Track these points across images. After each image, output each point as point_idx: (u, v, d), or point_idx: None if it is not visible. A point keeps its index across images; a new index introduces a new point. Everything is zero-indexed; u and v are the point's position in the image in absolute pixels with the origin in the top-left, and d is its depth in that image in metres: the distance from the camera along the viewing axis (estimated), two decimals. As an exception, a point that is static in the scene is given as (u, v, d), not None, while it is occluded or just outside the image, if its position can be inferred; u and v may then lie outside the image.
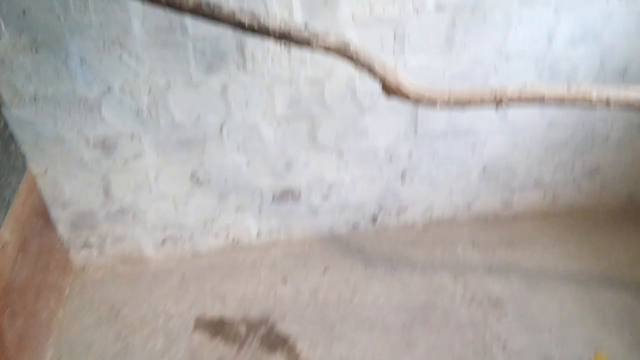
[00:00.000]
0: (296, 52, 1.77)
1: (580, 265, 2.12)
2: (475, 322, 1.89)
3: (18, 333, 1.59)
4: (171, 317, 1.95)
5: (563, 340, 1.81)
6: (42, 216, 1.92)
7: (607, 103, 1.42)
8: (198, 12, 1.24)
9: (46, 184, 1.89)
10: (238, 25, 1.26)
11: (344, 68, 1.80)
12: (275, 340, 1.85)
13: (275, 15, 1.68)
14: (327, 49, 1.33)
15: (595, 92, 1.41)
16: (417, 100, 1.42)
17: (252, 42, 1.73)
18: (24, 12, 1.55)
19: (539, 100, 1.42)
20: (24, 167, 1.81)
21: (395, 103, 1.78)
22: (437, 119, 2.02)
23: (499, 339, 1.82)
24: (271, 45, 1.74)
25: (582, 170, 2.27)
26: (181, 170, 1.98)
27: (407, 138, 2.04)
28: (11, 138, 1.75)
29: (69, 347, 1.83)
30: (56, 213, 1.97)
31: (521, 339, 1.82)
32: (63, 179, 1.89)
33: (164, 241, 2.15)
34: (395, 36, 1.79)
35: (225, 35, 1.70)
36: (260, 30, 1.26)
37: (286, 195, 2.14)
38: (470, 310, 1.94)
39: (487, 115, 2.03)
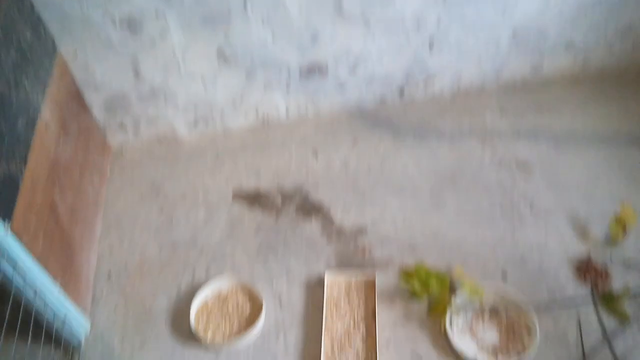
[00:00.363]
0: None
1: (609, 126, 2.13)
2: (503, 184, 1.95)
3: (69, 207, 1.70)
4: (209, 191, 2.06)
5: (589, 197, 1.87)
6: (76, 99, 1.97)
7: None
8: None
9: (77, 66, 1.92)
10: None
11: None
12: (310, 208, 1.95)
13: None
14: None
15: None
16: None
17: None
18: None
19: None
20: (54, 50, 1.83)
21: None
22: (466, -20, 1.95)
23: (526, 198, 1.89)
24: None
25: (614, 30, 2.19)
26: (207, 48, 1.97)
27: (436, 2, 1.98)
28: (39, 20, 1.75)
29: (116, 221, 1.97)
30: (90, 95, 2.01)
31: (548, 198, 1.88)
32: (93, 60, 1.91)
33: (195, 121, 2.21)
34: None
35: None
36: None
37: (313, 70, 2.13)
38: (498, 173, 1.99)
39: (519, -26, 1.94)
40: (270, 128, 2.29)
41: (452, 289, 1.59)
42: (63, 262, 1.58)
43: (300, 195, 2.00)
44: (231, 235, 1.88)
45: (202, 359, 1.53)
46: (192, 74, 2.04)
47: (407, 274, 1.63)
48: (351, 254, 1.77)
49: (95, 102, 2.04)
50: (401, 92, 2.29)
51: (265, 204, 1.98)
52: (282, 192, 2.02)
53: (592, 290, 1.57)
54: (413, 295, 1.60)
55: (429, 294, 1.57)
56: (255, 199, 2.01)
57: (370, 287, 1.63)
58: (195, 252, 1.83)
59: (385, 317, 1.56)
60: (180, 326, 1.62)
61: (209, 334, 1.57)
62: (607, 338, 1.44)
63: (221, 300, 1.67)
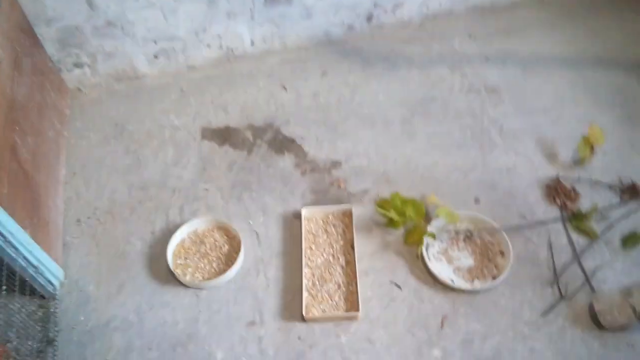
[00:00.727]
0: None
1: (576, 49, 2.13)
2: (473, 110, 1.95)
3: (31, 151, 1.62)
4: (177, 129, 1.99)
5: (557, 120, 1.90)
6: (28, 34, 1.82)
7: None
8: None
9: (24, -2, 1.77)
10: None
11: None
12: (282, 143, 1.92)
13: None
14: None
15: None
16: None
17: None
18: None
19: None
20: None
21: None
22: None
23: (496, 123, 1.90)
24: None
25: (584, -51, 2.16)
26: (164, -25, 1.84)
27: None
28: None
29: (81, 164, 1.89)
30: (41, 30, 1.86)
31: (517, 122, 1.90)
32: (40, -9, 1.76)
33: (156, 55, 2.09)
34: None
35: None
36: None
37: (278, -4, 2.03)
38: (468, 99, 1.99)
39: None
40: (236, 60, 2.20)
41: (427, 217, 1.62)
42: (30, 209, 1.52)
43: (271, 130, 1.96)
44: (203, 174, 1.83)
45: (183, 299, 1.53)
46: (150, 3, 1.90)
47: (383, 204, 1.64)
48: (326, 187, 1.76)
49: (48, 36, 1.90)
50: (369, 18, 2.21)
51: (236, 140, 1.94)
52: (252, 128, 1.97)
53: (561, 210, 1.62)
54: (390, 224, 1.62)
55: (405, 222, 1.59)
56: (225, 135, 1.95)
57: (347, 219, 1.64)
58: (167, 193, 1.79)
59: (363, 247, 1.58)
60: (158, 268, 1.60)
61: (188, 274, 1.57)
62: (576, 255, 1.51)
63: (198, 240, 1.65)
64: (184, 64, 2.16)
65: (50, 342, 1.44)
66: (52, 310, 1.51)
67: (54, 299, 1.54)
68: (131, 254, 1.64)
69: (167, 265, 1.57)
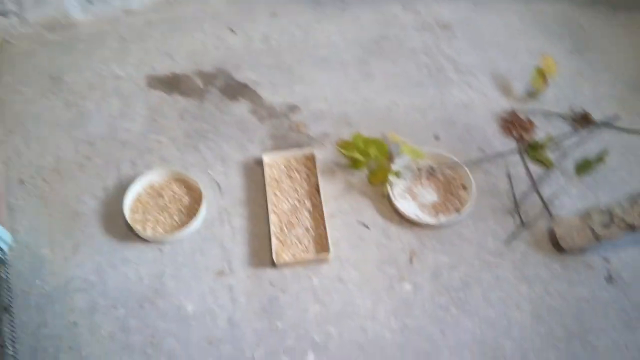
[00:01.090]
0: None
1: (524, -17, 2.14)
2: (428, 47, 1.93)
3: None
4: (120, 79, 1.86)
5: (509, 54, 1.91)
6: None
7: None
8: None
9: None
10: None
11: None
12: (235, 88, 1.84)
13: None
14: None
15: None
16: None
17: None
18: None
19: None
20: None
21: None
22: None
23: (451, 59, 1.90)
24: None
25: None
26: None
27: None
28: None
29: (18, 121, 1.74)
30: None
31: (471, 57, 1.90)
32: None
33: (90, 0, 1.93)
34: None
35: None
36: None
37: None
38: (422, 36, 1.97)
39: None
40: (177, 3, 2.07)
41: (389, 156, 1.61)
42: (-34, 172, 1.40)
43: (222, 75, 1.87)
44: (153, 125, 1.74)
45: (147, 255, 1.47)
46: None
47: (345, 145, 1.61)
48: (285, 132, 1.71)
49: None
50: (317, -45, 2.12)
51: (186, 88, 1.84)
52: (202, 74, 1.88)
53: (517, 142, 1.65)
54: (353, 165, 1.60)
55: (368, 163, 1.58)
56: (173, 83, 1.85)
57: (310, 163, 1.61)
58: (116, 147, 1.69)
59: (327, 190, 1.56)
60: (115, 225, 1.52)
61: (149, 229, 1.50)
62: (534, 184, 1.55)
63: (155, 193, 1.58)
64: (121, 8, 2.01)
65: (5, 308, 1.36)
66: (2, 276, 1.42)
67: (4, 264, 1.44)
68: (85, 213, 1.55)
69: (125, 222, 1.50)
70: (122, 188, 1.58)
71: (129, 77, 1.87)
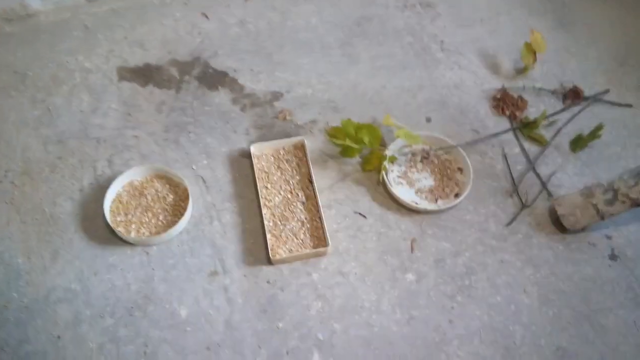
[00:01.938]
0: None
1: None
2: (412, 27, 1.87)
3: None
4: (88, 72, 1.74)
5: (495, 31, 1.87)
6: None
7: None
8: None
9: None
10: None
11: None
12: (213, 77, 1.74)
13: None
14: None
15: None
16: None
17: None
18: None
19: None
20: None
21: None
22: None
23: (436, 38, 1.84)
24: None
25: None
26: None
27: None
28: None
29: (-21, 122, 1.61)
30: None
31: (456, 36, 1.85)
32: None
33: (50, -13, 1.79)
34: None
35: None
36: None
37: None
38: (404, 15, 1.90)
39: None
40: (145, -11, 1.95)
41: (381, 141, 1.55)
42: None
43: (199, 64, 1.77)
44: (129, 120, 1.63)
45: (132, 259, 1.37)
46: None
47: (335, 132, 1.54)
48: (271, 121, 1.63)
49: None
50: None
51: (160, 79, 1.73)
52: (177, 64, 1.77)
53: (510, 120, 1.62)
54: (345, 153, 1.53)
55: (361, 149, 1.52)
56: (146, 75, 1.74)
57: (300, 152, 1.54)
58: (90, 145, 1.57)
59: (320, 180, 1.49)
60: (95, 229, 1.42)
61: (133, 231, 1.41)
62: (531, 163, 1.52)
63: (137, 192, 1.48)
64: (84, -4, 1.88)
65: (-19, 327, 1.25)
66: (-25, 291, 1.31)
67: (-24, 277, 1.33)
68: (61, 217, 1.44)
69: (106, 225, 1.40)
70: (100, 189, 1.47)
71: (98, 69, 1.75)
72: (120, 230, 1.39)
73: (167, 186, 1.49)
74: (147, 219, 1.43)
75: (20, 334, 1.26)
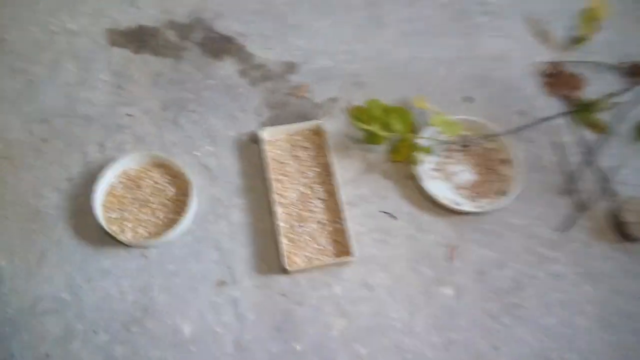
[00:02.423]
0: None
1: None
2: (448, -15, 1.61)
3: None
4: (74, 35, 1.51)
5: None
6: None
7: None
8: None
9: None
10: None
11: None
12: (218, 43, 1.51)
13: None
14: None
15: None
16: None
17: None
18: None
19: None
20: None
21: None
22: None
23: (477, 1, 1.58)
24: None
25: None
26: None
27: None
28: None
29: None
30: None
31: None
32: None
33: None
34: None
35: None
36: None
37: None
38: (440, -30, 1.64)
39: None
40: None
41: (413, 127, 1.34)
42: None
43: (200, 27, 1.53)
44: (121, 94, 1.42)
45: (129, 263, 1.20)
46: None
47: (359, 115, 1.32)
48: (284, 98, 1.41)
49: None
50: None
51: (156, 44, 1.50)
52: (175, 26, 1.53)
53: (565, 102, 1.39)
54: (370, 140, 1.32)
55: (389, 136, 1.30)
56: (140, 39, 1.51)
57: (318, 138, 1.33)
58: (78, 125, 1.37)
59: (341, 172, 1.29)
60: (86, 226, 1.24)
61: (129, 231, 1.23)
62: (590, 155, 1.31)
63: (132, 183, 1.28)
64: (67, -57, 1.61)
65: (-42, 344, 1.10)
66: (-49, 301, 1.15)
67: (-48, 286, 1.17)
68: (47, 212, 1.26)
69: (98, 222, 1.22)
70: (90, 177, 1.28)
71: (85, 31, 1.51)
72: (114, 229, 1.21)
73: (167, 176, 1.29)
74: (144, 216, 1.25)
75: (4, 351, 1.11)
